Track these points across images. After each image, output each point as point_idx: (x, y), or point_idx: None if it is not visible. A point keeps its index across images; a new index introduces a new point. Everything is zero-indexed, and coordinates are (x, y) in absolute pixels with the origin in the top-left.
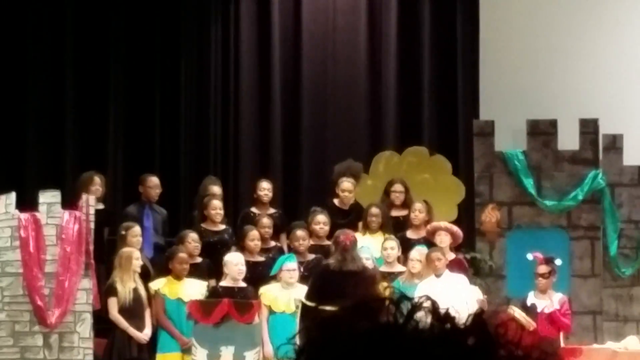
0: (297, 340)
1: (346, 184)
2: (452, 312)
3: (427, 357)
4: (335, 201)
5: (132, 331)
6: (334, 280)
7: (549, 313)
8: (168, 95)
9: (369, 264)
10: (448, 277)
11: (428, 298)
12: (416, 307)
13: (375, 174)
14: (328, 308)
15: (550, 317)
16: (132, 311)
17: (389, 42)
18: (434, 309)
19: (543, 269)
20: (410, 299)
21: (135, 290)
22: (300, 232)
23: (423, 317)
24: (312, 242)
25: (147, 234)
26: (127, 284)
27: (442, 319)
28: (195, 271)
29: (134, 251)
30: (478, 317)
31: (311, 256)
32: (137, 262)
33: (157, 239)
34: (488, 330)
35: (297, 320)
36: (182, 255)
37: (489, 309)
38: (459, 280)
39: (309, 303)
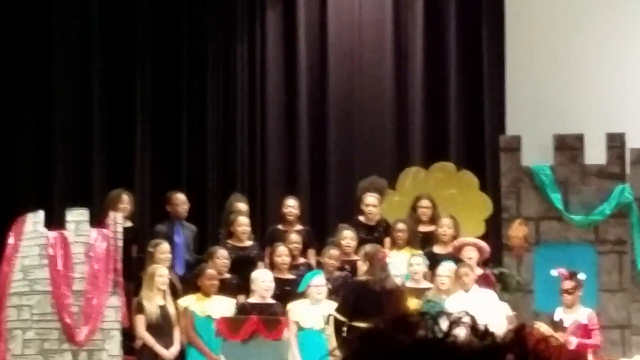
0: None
1: (370, 199)
2: (491, 328)
3: None
4: (361, 218)
5: (159, 349)
6: (371, 297)
7: (577, 326)
8: (195, 113)
9: (398, 280)
10: (477, 293)
11: (467, 313)
12: (455, 322)
13: (402, 189)
14: (363, 325)
15: (579, 331)
16: (160, 328)
17: (415, 58)
18: (473, 324)
19: (567, 284)
20: (448, 314)
21: (163, 307)
22: (333, 251)
23: (461, 333)
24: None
25: (179, 250)
26: (153, 301)
27: (481, 334)
28: (224, 287)
29: (159, 268)
30: (517, 333)
31: (337, 272)
32: (161, 280)
33: (187, 255)
34: (527, 347)
35: (328, 333)
36: (211, 271)
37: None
38: (488, 295)
39: (341, 318)
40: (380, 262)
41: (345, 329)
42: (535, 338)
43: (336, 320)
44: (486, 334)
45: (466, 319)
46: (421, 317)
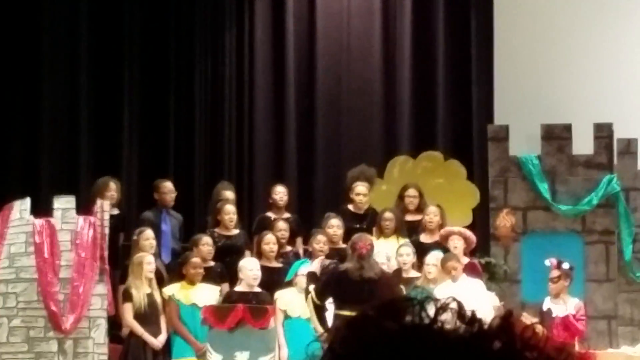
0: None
1: (360, 187)
2: (478, 315)
3: (452, 359)
4: (350, 206)
5: (147, 337)
6: (351, 286)
7: (563, 317)
8: (182, 101)
9: (386, 267)
10: (465, 282)
11: (454, 299)
12: (442, 308)
13: (390, 178)
14: (346, 313)
15: (564, 322)
16: (147, 317)
17: (404, 47)
18: (460, 310)
19: (553, 273)
20: (435, 300)
21: (150, 295)
22: (321, 237)
23: (449, 319)
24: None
25: (166, 238)
26: (140, 290)
27: (469, 321)
28: (208, 275)
29: (145, 256)
30: (505, 320)
31: (326, 261)
32: (149, 267)
33: (174, 243)
34: (514, 334)
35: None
36: (196, 260)
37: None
38: (476, 285)
39: (316, 299)
40: (358, 252)
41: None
42: (522, 325)
43: (314, 302)
44: (473, 320)
45: (453, 305)
46: (408, 302)
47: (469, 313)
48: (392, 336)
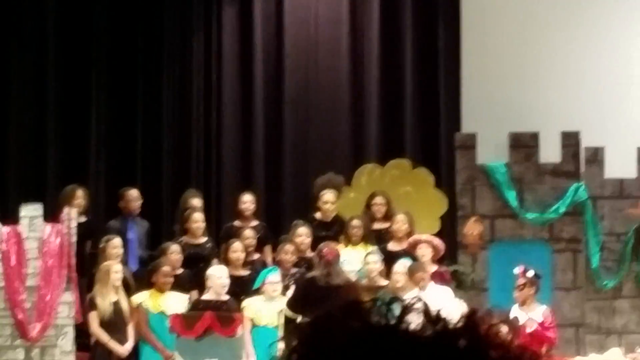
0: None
1: (328, 195)
2: (444, 314)
3: (418, 358)
4: (317, 214)
5: (113, 345)
6: (319, 293)
7: (532, 331)
8: (150, 108)
9: (352, 276)
10: (433, 290)
11: (419, 299)
12: (407, 308)
13: (358, 186)
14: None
15: (533, 334)
16: (113, 325)
17: (371, 55)
18: (426, 310)
19: (519, 281)
20: (401, 300)
21: (116, 303)
22: (288, 246)
23: (415, 319)
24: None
25: (132, 246)
26: (106, 298)
27: (434, 320)
28: (176, 283)
29: (113, 264)
30: (469, 319)
31: (294, 269)
32: (116, 276)
33: (140, 251)
34: (479, 332)
35: (281, 330)
36: (166, 268)
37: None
38: (444, 292)
39: (291, 313)
40: (324, 259)
41: (297, 323)
42: (486, 324)
43: (286, 316)
44: (438, 319)
45: (419, 305)
46: (374, 303)
47: (434, 313)
48: (358, 336)
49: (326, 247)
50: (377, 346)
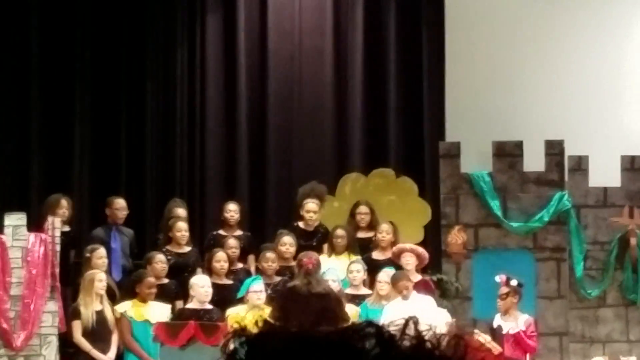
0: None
1: (311, 204)
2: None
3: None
4: (300, 223)
5: (95, 354)
6: (300, 302)
7: (514, 334)
8: (134, 118)
9: (335, 286)
10: (416, 299)
11: (412, 321)
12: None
13: (342, 195)
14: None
15: (515, 338)
16: (97, 334)
17: (355, 64)
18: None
19: (502, 290)
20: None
21: (100, 312)
22: (270, 254)
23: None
24: (278, 264)
25: (115, 256)
26: (90, 307)
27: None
28: (162, 292)
29: (97, 273)
30: (456, 343)
31: (278, 278)
32: (100, 284)
33: (124, 260)
34: (466, 357)
35: None
36: (150, 279)
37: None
38: (427, 302)
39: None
40: (304, 268)
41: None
42: (473, 348)
43: None
44: (424, 341)
45: (410, 328)
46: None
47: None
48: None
49: (306, 256)
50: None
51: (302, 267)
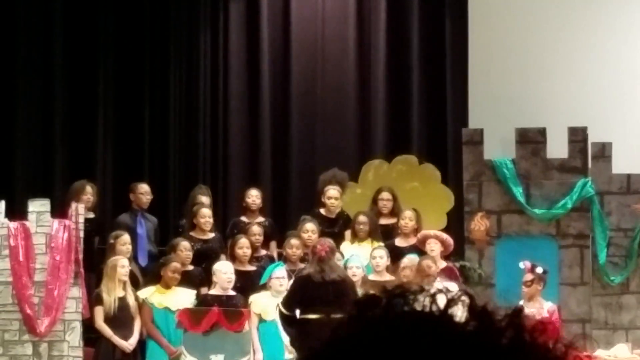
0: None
1: (332, 191)
2: (490, 309)
3: (459, 352)
4: (322, 210)
5: (116, 340)
6: (315, 289)
7: (538, 320)
8: (157, 104)
9: (359, 272)
10: (439, 286)
11: (465, 292)
12: (453, 300)
13: (365, 182)
14: (312, 317)
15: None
16: (119, 320)
17: (378, 51)
18: (471, 304)
19: (527, 277)
20: (446, 292)
21: (123, 299)
22: (294, 241)
23: (459, 313)
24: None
25: (142, 241)
26: (112, 293)
27: (479, 315)
28: (187, 279)
29: (120, 259)
30: (515, 317)
31: (302, 265)
32: (123, 270)
33: (150, 246)
34: (524, 331)
35: (279, 324)
36: (176, 264)
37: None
38: (451, 288)
39: (285, 311)
40: (317, 255)
41: (290, 320)
42: (531, 321)
43: (280, 312)
44: (483, 314)
45: (464, 298)
46: (419, 292)
47: (479, 307)
48: (402, 320)
49: (319, 243)
50: (421, 333)
51: (316, 254)
